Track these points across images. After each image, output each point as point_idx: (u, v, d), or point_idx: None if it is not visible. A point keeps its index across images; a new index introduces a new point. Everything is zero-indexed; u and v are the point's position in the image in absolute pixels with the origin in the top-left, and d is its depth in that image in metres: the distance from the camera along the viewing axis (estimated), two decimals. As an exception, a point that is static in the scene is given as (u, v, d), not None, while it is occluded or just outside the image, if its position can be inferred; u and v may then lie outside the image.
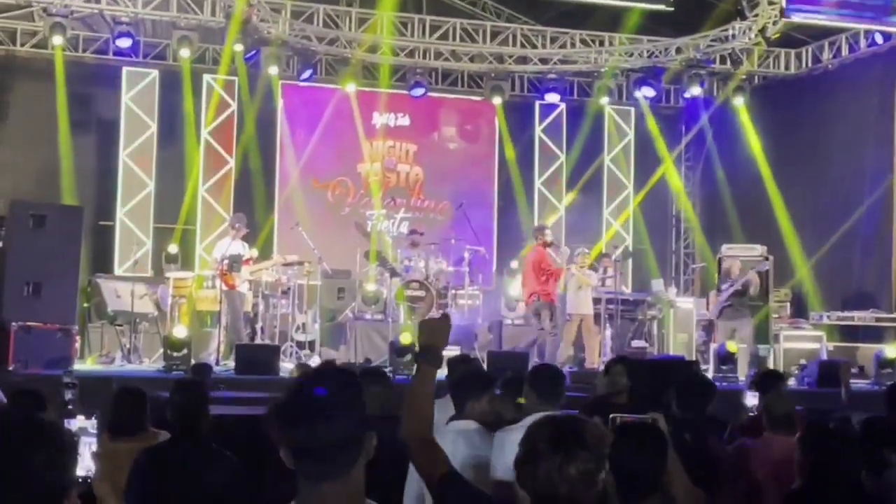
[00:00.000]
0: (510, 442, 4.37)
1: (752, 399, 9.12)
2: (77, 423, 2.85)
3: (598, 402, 8.10)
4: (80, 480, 2.67)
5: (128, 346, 14.77)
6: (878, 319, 16.37)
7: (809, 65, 19.36)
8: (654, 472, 3.74)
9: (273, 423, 2.65)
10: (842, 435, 5.01)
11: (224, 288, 14.65)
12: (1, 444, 2.39)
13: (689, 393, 6.73)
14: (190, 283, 15.98)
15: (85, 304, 15.30)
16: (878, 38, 17.51)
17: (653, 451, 3.82)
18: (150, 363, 14.54)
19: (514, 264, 19.21)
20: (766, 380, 7.98)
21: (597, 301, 16.24)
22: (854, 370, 14.39)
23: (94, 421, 2.89)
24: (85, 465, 2.74)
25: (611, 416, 4.15)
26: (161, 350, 14.14)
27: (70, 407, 5.71)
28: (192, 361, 12.98)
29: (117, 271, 17.56)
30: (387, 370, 13.35)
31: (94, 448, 2.76)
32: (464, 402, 5.72)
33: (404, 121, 20.12)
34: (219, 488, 5.37)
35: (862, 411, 8.14)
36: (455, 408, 5.82)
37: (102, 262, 17.71)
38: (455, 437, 5.38)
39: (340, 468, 2.63)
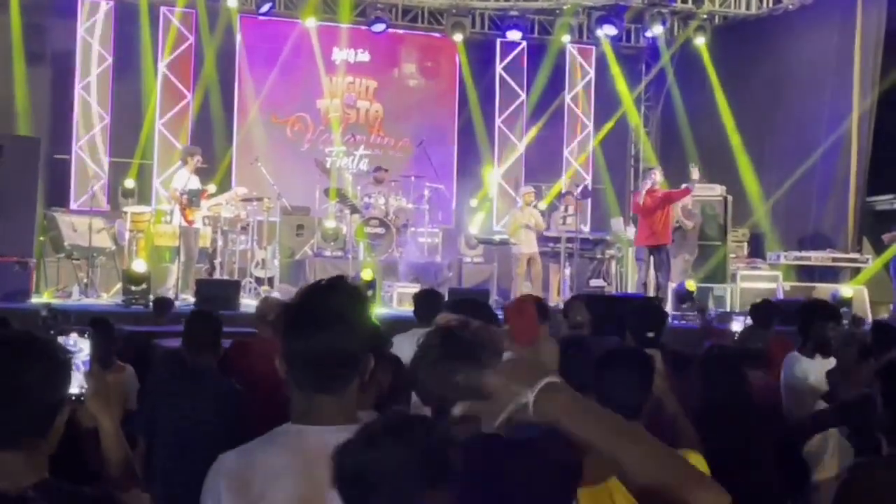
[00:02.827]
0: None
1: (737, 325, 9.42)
2: (72, 339, 2.80)
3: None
4: (73, 398, 2.64)
5: (85, 280, 14.64)
6: (834, 260, 16.54)
7: (770, 5, 19.35)
8: (636, 397, 3.77)
9: (276, 328, 2.63)
10: None
11: (182, 223, 14.52)
12: None
13: (642, 321, 6.70)
14: (147, 217, 15.83)
15: (41, 238, 15.14)
16: (840, -20, 17.52)
17: (635, 376, 3.84)
18: (107, 297, 14.44)
19: (474, 202, 19.25)
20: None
21: (556, 240, 16.27)
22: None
23: (87, 339, 2.85)
24: (78, 382, 2.70)
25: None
26: (119, 284, 14.05)
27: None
28: (152, 296, 12.91)
29: (73, 205, 17.36)
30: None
31: (86, 366, 2.74)
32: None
33: (364, 56, 19.95)
34: (225, 416, 5.48)
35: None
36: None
37: (58, 196, 17.48)
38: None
39: (335, 383, 2.63)
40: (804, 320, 6.99)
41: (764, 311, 9.08)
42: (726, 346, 7.49)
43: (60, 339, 2.70)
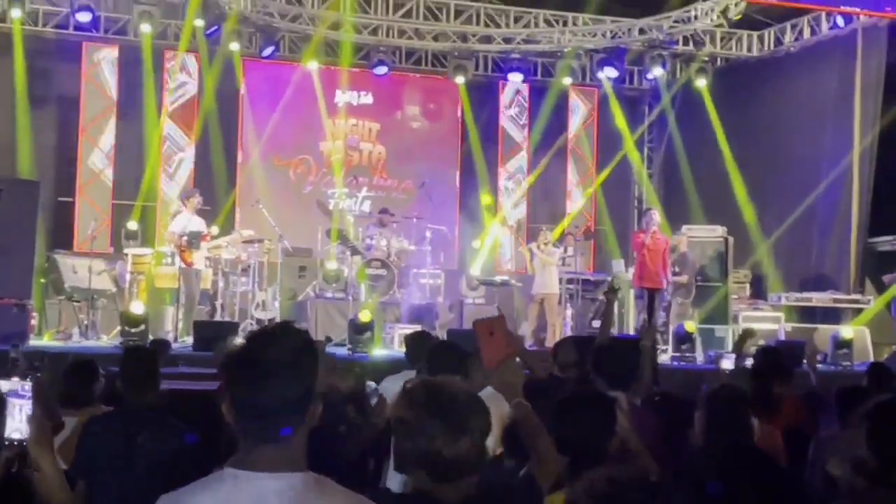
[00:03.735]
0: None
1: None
2: (8, 384, 2.80)
3: (548, 380, 8.08)
4: (14, 443, 2.64)
5: (85, 322, 14.66)
6: (835, 301, 16.49)
7: (771, 47, 19.44)
8: (597, 441, 3.75)
9: (221, 375, 2.62)
10: None
11: (182, 265, 14.57)
12: None
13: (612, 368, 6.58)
14: (149, 259, 15.87)
15: (42, 280, 15.19)
16: (840, 21, 17.58)
17: (596, 420, 3.83)
18: (107, 339, 14.45)
19: (476, 244, 19.27)
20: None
21: (559, 281, 16.30)
22: (820, 356, 14.32)
23: (27, 383, 2.85)
24: (17, 427, 2.70)
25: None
26: (118, 327, 14.07)
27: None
28: (150, 338, 12.92)
29: (76, 248, 17.41)
30: (346, 348, 13.43)
31: (29, 411, 2.73)
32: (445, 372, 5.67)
33: (367, 99, 20.05)
34: (166, 455, 5.34)
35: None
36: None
37: (62, 238, 17.53)
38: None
39: (282, 431, 2.59)
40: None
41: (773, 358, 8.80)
42: (735, 386, 7.42)
43: (2, 383, 2.70)
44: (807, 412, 7.39)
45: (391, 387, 6.99)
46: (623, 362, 5.93)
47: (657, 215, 15.83)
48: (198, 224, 14.90)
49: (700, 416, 5.20)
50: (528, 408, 3.44)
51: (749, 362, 8.44)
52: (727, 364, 9.89)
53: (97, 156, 18.19)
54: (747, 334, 9.10)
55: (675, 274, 15.80)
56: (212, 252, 15.03)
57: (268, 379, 2.54)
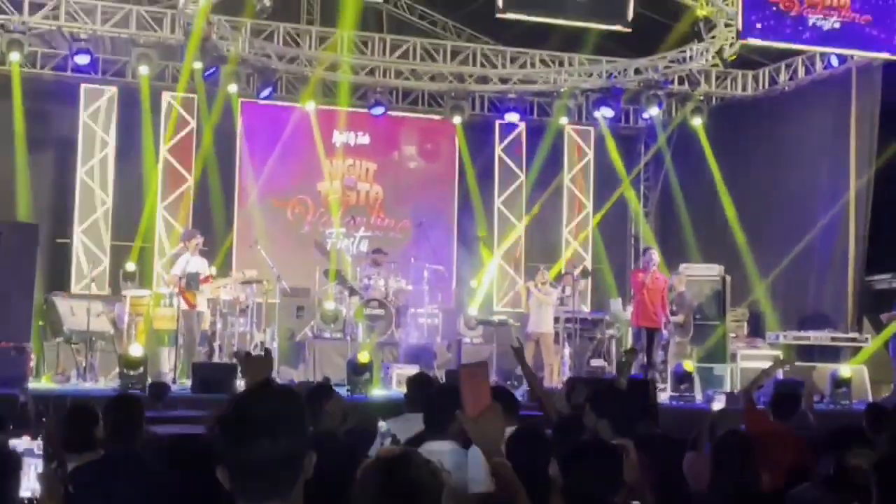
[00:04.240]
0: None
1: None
2: (23, 443, 2.81)
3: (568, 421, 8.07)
4: (25, 501, 2.64)
5: (84, 364, 14.62)
6: (833, 339, 16.50)
7: (766, 86, 19.54)
8: (605, 493, 3.75)
9: (214, 438, 2.62)
10: None
11: (184, 307, 14.57)
12: None
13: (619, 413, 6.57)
14: (147, 301, 15.86)
15: (40, 323, 15.16)
16: (834, 61, 17.68)
17: (605, 471, 3.82)
18: (105, 382, 14.42)
19: (474, 283, 19.28)
20: None
21: (556, 320, 16.31)
22: (816, 398, 14.29)
23: (39, 442, 2.85)
24: (30, 486, 2.70)
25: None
26: (117, 369, 14.04)
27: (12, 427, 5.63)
28: (149, 380, 12.89)
29: (74, 289, 17.41)
30: (345, 389, 13.40)
31: (40, 469, 2.72)
32: (444, 421, 5.61)
33: (364, 139, 20.12)
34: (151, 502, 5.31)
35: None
36: (431, 426, 5.73)
37: (59, 280, 17.56)
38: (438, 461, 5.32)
39: (280, 488, 2.59)
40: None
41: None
42: (739, 432, 7.41)
43: (12, 442, 2.70)
44: (810, 453, 7.39)
45: (391, 429, 6.97)
46: (629, 405, 5.94)
47: (656, 255, 15.88)
48: (199, 265, 14.92)
49: (699, 459, 5.19)
50: (508, 468, 3.36)
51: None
52: (718, 405, 9.84)
53: (95, 197, 18.21)
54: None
55: (672, 313, 15.82)
56: (214, 293, 15.06)
57: (262, 438, 2.55)
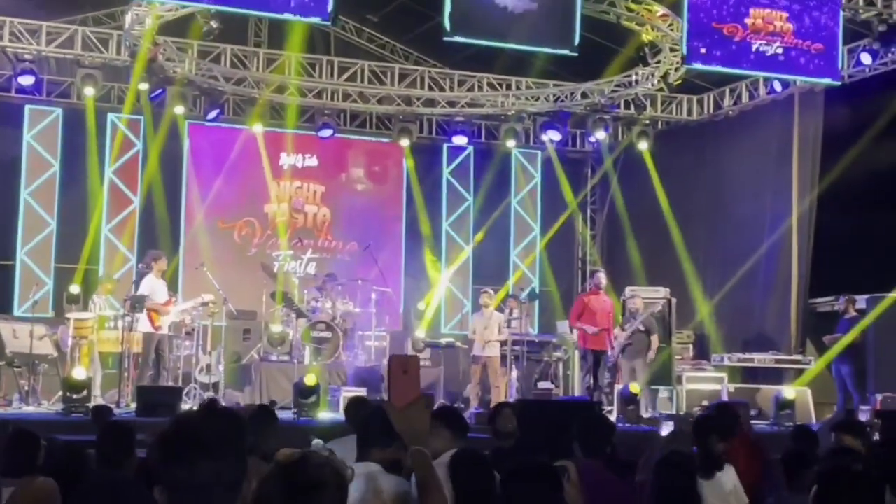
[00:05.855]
0: None
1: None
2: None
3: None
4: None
5: (26, 388, 14.44)
6: (777, 361, 16.69)
7: (711, 111, 19.75)
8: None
9: (153, 458, 2.59)
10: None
11: (148, 329, 14.52)
12: None
13: (590, 434, 6.68)
14: (91, 323, 15.68)
15: (-18, 346, 14.96)
16: (777, 86, 17.89)
17: (543, 493, 3.82)
18: (48, 405, 14.26)
19: (421, 305, 19.27)
20: None
21: (503, 343, 16.31)
22: (753, 412, 14.48)
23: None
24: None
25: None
26: (60, 392, 13.87)
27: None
28: (92, 403, 12.75)
29: (17, 312, 17.21)
30: (291, 412, 13.33)
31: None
32: (369, 448, 5.68)
33: (312, 161, 20.09)
34: None
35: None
36: (358, 448, 5.78)
37: (2, 303, 17.38)
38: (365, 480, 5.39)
39: None
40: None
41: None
42: (683, 452, 7.46)
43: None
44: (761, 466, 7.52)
45: (338, 450, 6.97)
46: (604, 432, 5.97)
47: (604, 277, 15.96)
48: (160, 288, 14.86)
49: (642, 484, 5.22)
50: (426, 456, 3.33)
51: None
52: (665, 430, 9.90)
53: (39, 219, 18.03)
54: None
55: (645, 332, 15.72)
56: (178, 316, 15.04)
57: (198, 460, 2.54)
